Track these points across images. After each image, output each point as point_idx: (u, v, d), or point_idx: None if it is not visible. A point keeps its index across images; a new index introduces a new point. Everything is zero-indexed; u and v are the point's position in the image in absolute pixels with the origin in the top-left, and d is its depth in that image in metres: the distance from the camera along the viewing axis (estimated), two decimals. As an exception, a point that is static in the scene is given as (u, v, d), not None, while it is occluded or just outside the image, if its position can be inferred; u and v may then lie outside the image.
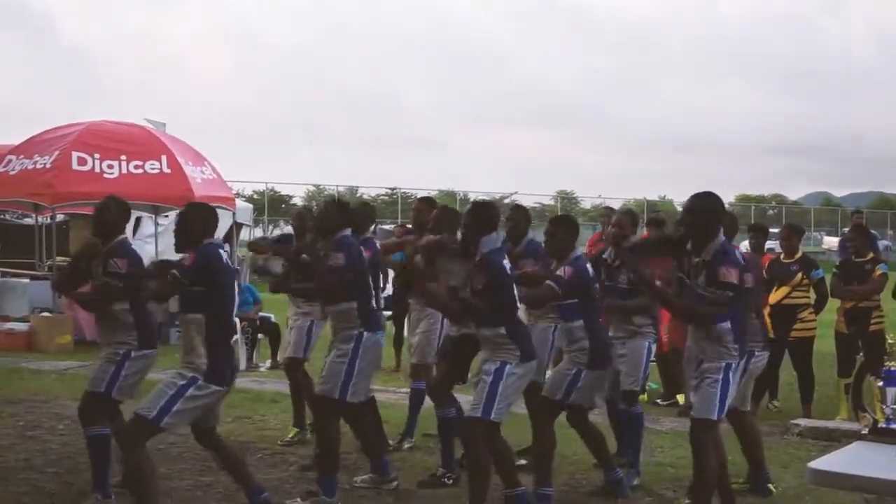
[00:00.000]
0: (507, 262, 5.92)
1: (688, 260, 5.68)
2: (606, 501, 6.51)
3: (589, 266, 6.58)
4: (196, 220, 5.70)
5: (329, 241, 6.43)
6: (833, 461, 4.67)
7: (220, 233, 22.64)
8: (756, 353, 6.41)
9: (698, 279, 5.55)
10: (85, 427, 6.16)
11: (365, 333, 6.39)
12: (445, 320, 7.47)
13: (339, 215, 6.51)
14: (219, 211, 18.01)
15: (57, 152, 14.55)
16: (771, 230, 16.55)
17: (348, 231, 6.51)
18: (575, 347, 6.40)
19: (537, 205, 66.97)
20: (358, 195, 62.14)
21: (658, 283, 5.72)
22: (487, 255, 5.80)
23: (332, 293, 6.36)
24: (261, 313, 13.43)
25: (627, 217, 7.48)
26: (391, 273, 13.68)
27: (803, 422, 8.74)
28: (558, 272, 6.35)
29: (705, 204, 5.66)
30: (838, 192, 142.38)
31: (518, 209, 7.82)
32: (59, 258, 15.36)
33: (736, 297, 5.47)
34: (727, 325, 5.51)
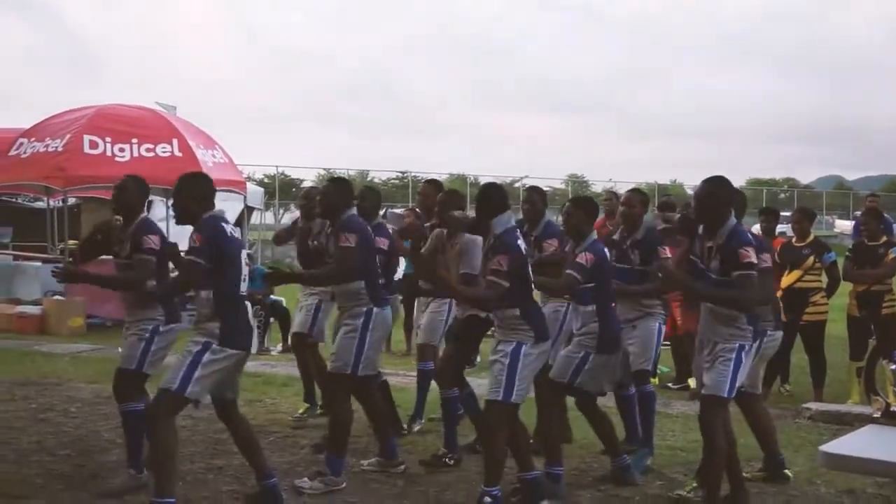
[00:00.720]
0: (521, 242, 5.89)
1: (700, 244, 5.66)
2: (615, 488, 6.51)
3: (605, 250, 6.55)
4: (191, 193, 5.67)
5: (336, 223, 6.41)
6: (845, 445, 4.67)
7: (232, 216, 22.83)
8: (768, 333, 6.38)
9: (711, 264, 5.53)
10: (120, 403, 6.27)
11: (374, 309, 6.41)
12: (453, 302, 7.51)
13: (342, 196, 6.49)
14: (230, 194, 18.15)
15: (68, 136, 14.56)
16: (782, 214, 16.51)
17: (353, 210, 6.50)
18: (584, 331, 6.38)
19: (548, 188, 66.91)
20: (368, 179, 62.24)
21: (678, 271, 5.72)
22: (501, 236, 5.77)
23: (347, 275, 6.35)
24: (272, 297, 13.45)
25: (637, 196, 7.44)
26: (401, 258, 13.75)
27: (815, 405, 8.73)
28: (579, 259, 6.30)
29: (715, 189, 5.64)
30: (850, 176, 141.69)
31: (535, 191, 7.77)
32: (70, 241, 15.39)
33: (758, 276, 5.47)
34: None
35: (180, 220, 5.73)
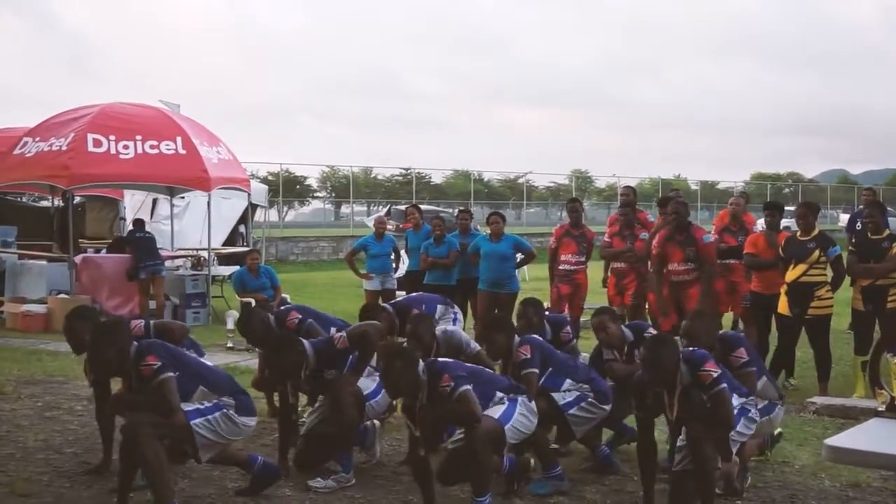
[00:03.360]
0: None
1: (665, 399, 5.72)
2: (620, 482, 6.52)
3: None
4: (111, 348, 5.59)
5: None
6: (850, 438, 4.67)
7: (236, 214, 22.90)
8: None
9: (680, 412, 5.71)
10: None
11: None
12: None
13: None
14: (234, 192, 18.24)
15: (72, 134, 14.60)
16: (787, 208, 16.50)
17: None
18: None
19: (552, 184, 66.93)
20: (372, 176, 62.35)
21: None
22: None
23: None
24: (284, 295, 13.50)
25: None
26: (404, 255, 13.80)
27: (820, 399, 8.72)
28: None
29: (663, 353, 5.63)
30: (855, 170, 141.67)
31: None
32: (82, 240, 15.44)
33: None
34: None
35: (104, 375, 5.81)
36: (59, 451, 7.20)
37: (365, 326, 6.86)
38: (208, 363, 6.38)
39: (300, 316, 7.75)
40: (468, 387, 5.57)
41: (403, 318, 7.95)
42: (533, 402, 6.05)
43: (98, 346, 5.56)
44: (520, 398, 5.96)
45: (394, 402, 7.29)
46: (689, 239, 9.74)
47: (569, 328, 7.82)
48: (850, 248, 9.44)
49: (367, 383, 6.80)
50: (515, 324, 7.10)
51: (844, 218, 48.16)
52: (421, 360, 5.72)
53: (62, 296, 14.45)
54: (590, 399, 6.52)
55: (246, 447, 6.73)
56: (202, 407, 5.66)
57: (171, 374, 5.49)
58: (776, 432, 6.98)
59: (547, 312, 8.13)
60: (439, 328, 7.50)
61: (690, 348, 5.80)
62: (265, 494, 6.13)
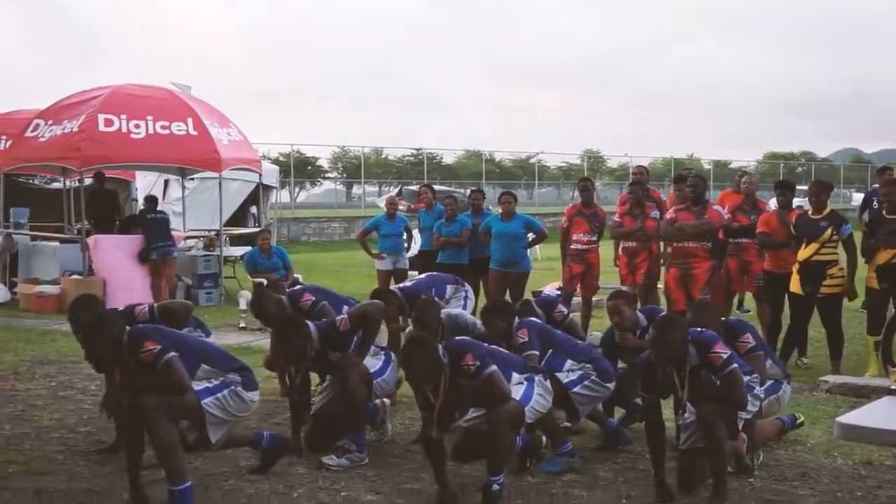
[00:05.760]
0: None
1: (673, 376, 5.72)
2: (632, 459, 6.54)
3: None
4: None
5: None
6: (862, 416, 4.68)
7: (246, 194, 22.91)
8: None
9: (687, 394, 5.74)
10: None
11: None
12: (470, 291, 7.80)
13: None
14: (245, 173, 18.28)
15: (84, 116, 14.62)
16: (799, 187, 16.43)
17: None
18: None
19: (564, 164, 66.83)
20: (383, 156, 62.34)
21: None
22: None
23: None
24: (296, 275, 13.55)
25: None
26: (416, 235, 13.81)
27: (832, 378, 8.71)
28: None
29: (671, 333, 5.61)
30: (868, 149, 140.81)
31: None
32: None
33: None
34: None
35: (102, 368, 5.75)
36: (73, 431, 7.25)
37: (366, 307, 6.88)
38: (207, 340, 6.40)
39: (313, 297, 7.77)
40: (494, 367, 5.59)
41: (413, 303, 7.97)
42: (548, 381, 6.06)
43: (90, 342, 5.51)
44: (536, 378, 5.98)
45: (400, 378, 7.35)
46: (704, 212, 9.84)
47: (561, 307, 7.86)
48: (863, 227, 9.40)
49: (373, 362, 6.82)
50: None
51: (858, 197, 48.02)
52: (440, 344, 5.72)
53: (75, 277, 14.51)
54: (593, 377, 6.54)
55: (259, 426, 6.76)
56: (211, 385, 5.67)
57: (173, 353, 5.48)
58: (798, 421, 6.99)
59: (545, 293, 8.16)
60: (444, 312, 7.52)
61: (699, 329, 5.80)
62: (279, 472, 6.17)
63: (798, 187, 14.69)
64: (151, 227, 14.53)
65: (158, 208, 15.23)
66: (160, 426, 5.36)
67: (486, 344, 6.04)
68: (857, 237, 9.27)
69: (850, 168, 71.23)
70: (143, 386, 5.43)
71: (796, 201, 10.90)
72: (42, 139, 15.01)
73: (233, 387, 5.74)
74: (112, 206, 16.58)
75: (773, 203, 11.57)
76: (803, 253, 9.14)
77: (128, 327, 5.59)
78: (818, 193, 9.30)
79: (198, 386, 5.59)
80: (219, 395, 5.67)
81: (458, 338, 6.03)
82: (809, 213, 9.29)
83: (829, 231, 9.03)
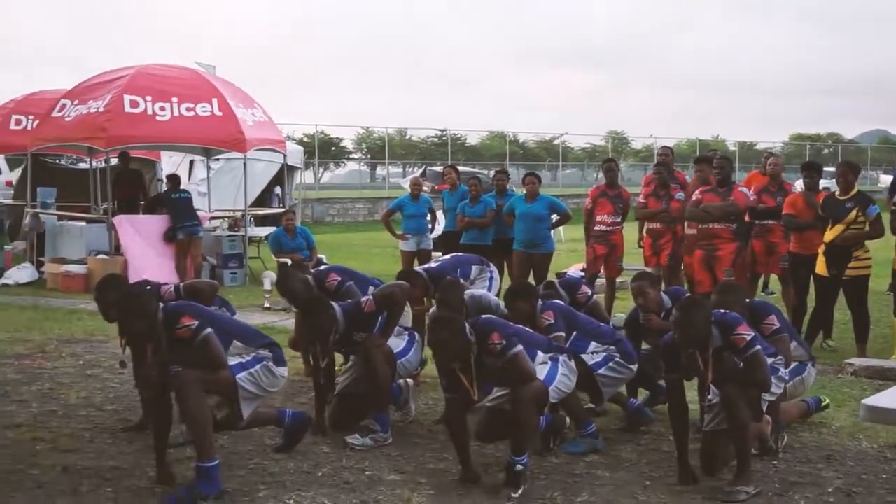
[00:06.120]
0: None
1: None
2: (655, 440, 6.54)
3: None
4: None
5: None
6: (888, 398, 4.65)
7: (271, 175, 22.98)
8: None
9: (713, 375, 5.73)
10: None
11: None
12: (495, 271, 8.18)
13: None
14: (270, 153, 18.32)
15: (109, 96, 14.69)
16: (826, 169, 16.29)
17: None
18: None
19: (588, 145, 66.60)
20: (407, 137, 62.30)
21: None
22: None
23: None
24: (320, 256, 13.59)
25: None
26: (440, 216, 13.80)
27: (858, 361, 8.67)
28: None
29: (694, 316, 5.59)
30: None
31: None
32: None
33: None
34: None
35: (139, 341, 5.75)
36: (100, 409, 7.32)
37: (391, 288, 6.90)
38: (237, 318, 6.43)
39: (339, 278, 7.78)
40: (520, 347, 5.60)
41: (438, 285, 7.98)
42: (572, 361, 6.06)
43: (127, 317, 5.58)
44: (560, 357, 5.98)
45: (424, 358, 7.37)
46: (730, 193, 9.79)
47: (585, 288, 7.84)
48: (892, 207, 9.32)
49: (398, 342, 6.85)
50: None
51: (885, 179, 47.57)
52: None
53: (101, 256, 14.61)
54: (617, 359, 6.54)
55: (283, 406, 6.80)
56: (244, 361, 5.70)
57: (210, 330, 5.52)
58: (823, 403, 6.97)
59: (569, 274, 8.11)
60: (467, 293, 7.52)
61: (722, 311, 5.78)
62: (303, 451, 6.21)
63: (825, 169, 14.57)
64: (177, 207, 14.62)
65: (182, 187, 15.28)
66: (194, 401, 5.39)
67: (513, 324, 6.04)
68: (886, 219, 9.18)
69: (877, 149, 70.62)
70: (179, 362, 5.47)
71: (823, 183, 10.80)
72: (68, 119, 15.11)
73: (265, 362, 5.77)
74: (136, 186, 16.70)
75: (799, 185, 11.49)
76: (829, 234, 9.08)
77: (161, 304, 5.64)
78: (845, 174, 9.23)
79: (231, 361, 5.63)
80: (251, 370, 5.71)
81: (484, 316, 6.04)
82: (836, 194, 9.22)
83: (854, 212, 8.96)
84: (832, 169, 11.10)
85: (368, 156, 60.74)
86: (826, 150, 68.99)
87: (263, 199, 22.36)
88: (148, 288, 6.41)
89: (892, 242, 9.17)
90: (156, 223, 14.75)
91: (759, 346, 5.56)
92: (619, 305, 11.07)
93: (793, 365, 6.47)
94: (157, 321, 5.53)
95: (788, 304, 9.99)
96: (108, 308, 6.04)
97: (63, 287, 14.26)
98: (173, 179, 15.39)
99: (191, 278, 13.06)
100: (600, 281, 11.52)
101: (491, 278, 8.98)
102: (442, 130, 57.33)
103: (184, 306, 5.74)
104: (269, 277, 12.39)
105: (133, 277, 13.22)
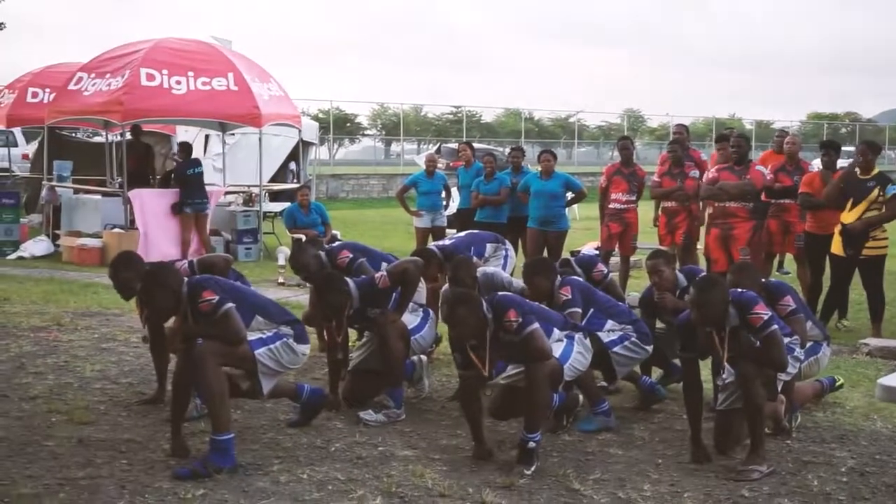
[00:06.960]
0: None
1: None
2: (668, 419, 6.54)
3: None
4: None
5: None
6: (903, 378, 4.63)
7: (287, 151, 22.97)
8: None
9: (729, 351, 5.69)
10: None
11: None
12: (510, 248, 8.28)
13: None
14: (285, 129, 18.26)
15: (127, 71, 14.69)
16: (844, 149, 16.18)
17: None
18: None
19: (603, 123, 66.36)
20: (422, 114, 62.21)
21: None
22: None
23: None
24: (334, 232, 13.59)
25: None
26: (455, 193, 13.78)
27: (873, 341, 8.64)
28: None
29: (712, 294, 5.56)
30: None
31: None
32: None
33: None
34: None
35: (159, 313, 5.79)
36: (115, 382, 7.35)
37: (405, 263, 6.89)
38: (259, 293, 6.44)
39: (350, 255, 7.77)
40: (537, 325, 5.60)
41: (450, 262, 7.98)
42: (588, 340, 6.05)
43: (153, 292, 5.61)
44: (576, 335, 5.97)
45: (438, 335, 7.37)
46: (746, 172, 9.77)
47: (601, 266, 7.80)
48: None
49: (412, 318, 6.86)
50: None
51: (903, 159, 47.28)
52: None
53: (117, 230, 14.65)
54: (633, 339, 6.53)
55: (297, 380, 6.82)
56: (264, 336, 5.72)
57: (231, 304, 5.53)
58: (838, 383, 6.95)
59: (583, 252, 8.09)
60: (480, 270, 7.51)
61: (739, 290, 5.76)
62: (317, 426, 6.23)
63: (843, 148, 14.48)
64: (189, 182, 14.48)
65: (194, 157, 15.09)
66: (212, 373, 5.41)
67: (529, 301, 6.04)
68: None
69: (895, 129, 70.04)
70: (200, 335, 5.50)
71: (840, 162, 10.74)
72: (85, 93, 15.12)
73: (285, 339, 5.78)
74: (146, 159, 16.61)
75: (816, 163, 11.43)
76: (848, 216, 9.03)
77: (186, 278, 5.67)
78: (866, 153, 9.18)
79: (251, 336, 5.64)
80: (272, 346, 5.72)
81: (501, 293, 6.03)
82: (858, 173, 9.16)
83: (875, 191, 8.92)
84: (850, 148, 11.04)
85: (383, 132, 60.71)
86: (843, 130, 68.57)
87: (279, 174, 22.36)
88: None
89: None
90: (170, 198, 14.73)
91: (775, 326, 5.54)
92: (632, 284, 11.06)
93: (808, 345, 6.46)
94: (182, 296, 5.57)
95: (804, 283, 9.96)
96: (124, 286, 6.02)
97: (78, 260, 14.32)
98: (185, 149, 15.22)
99: (200, 254, 13.04)
100: (614, 259, 11.51)
101: (506, 256, 8.98)
102: (457, 107, 57.31)
103: (207, 280, 5.75)
104: (283, 253, 12.41)
105: (147, 252, 13.29)
